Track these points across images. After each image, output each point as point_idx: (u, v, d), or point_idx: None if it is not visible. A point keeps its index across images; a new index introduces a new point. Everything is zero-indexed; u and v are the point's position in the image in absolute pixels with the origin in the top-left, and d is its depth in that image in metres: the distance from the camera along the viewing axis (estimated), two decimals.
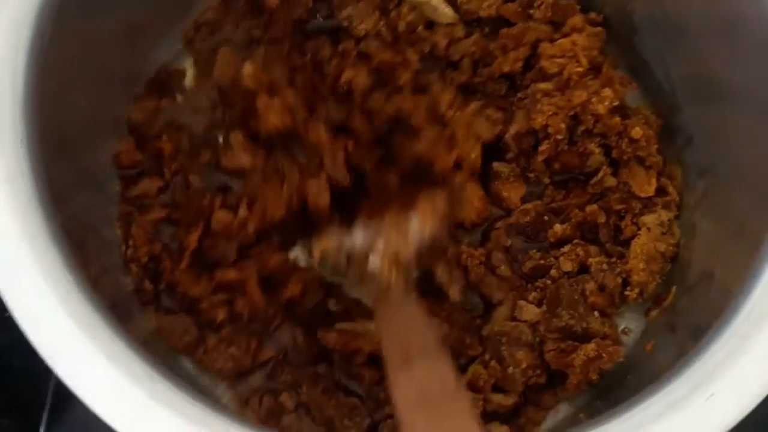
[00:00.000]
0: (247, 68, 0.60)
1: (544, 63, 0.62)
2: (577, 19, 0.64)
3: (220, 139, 0.63)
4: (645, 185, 0.61)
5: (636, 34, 0.64)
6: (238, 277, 0.59)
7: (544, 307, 0.58)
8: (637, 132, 0.61)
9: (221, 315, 0.59)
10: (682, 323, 0.56)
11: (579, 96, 0.60)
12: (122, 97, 0.63)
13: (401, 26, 0.65)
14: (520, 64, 0.64)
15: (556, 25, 0.65)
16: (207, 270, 0.60)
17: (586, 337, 0.57)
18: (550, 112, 0.60)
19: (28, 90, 0.49)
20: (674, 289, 0.59)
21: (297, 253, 0.62)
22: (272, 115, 0.58)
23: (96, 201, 0.60)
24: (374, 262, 0.53)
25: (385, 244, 0.53)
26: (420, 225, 0.54)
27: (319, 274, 0.60)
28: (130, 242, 0.59)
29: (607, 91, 0.60)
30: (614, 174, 0.62)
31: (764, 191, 0.50)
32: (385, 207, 0.56)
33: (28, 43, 0.49)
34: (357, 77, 0.60)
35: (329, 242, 0.55)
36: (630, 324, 0.61)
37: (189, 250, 0.59)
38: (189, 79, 0.66)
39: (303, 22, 0.66)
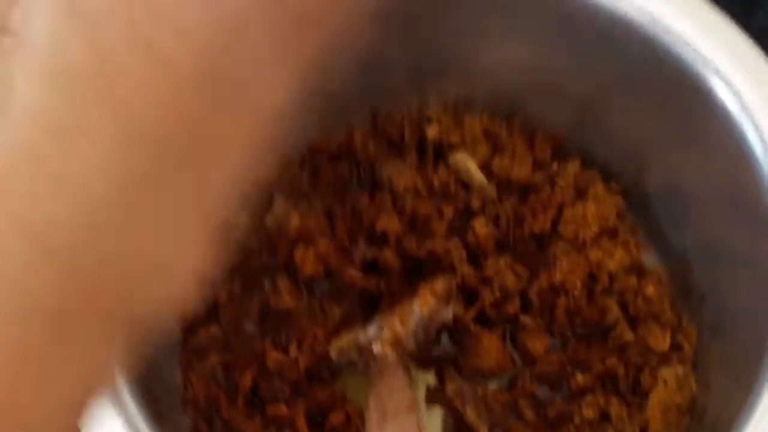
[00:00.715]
0: (294, 219, 0.69)
1: (560, 227, 0.69)
2: (598, 188, 0.71)
3: (267, 284, 0.69)
4: (660, 341, 0.66)
5: (651, 202, 0.71)
6: (288, 412, 0.65)
7: None
8: (650, 290, 0.66)
9: None
10: None
11: (595, 255, 0.66)
12: None
13: (437, 184, 0.71)
14: (548, 225, 0.70)
15: (579, 191, 0.72)
16: (259, 409, 0.65)
17: None
18: (568, 270, 0.66)
19: None
20: None
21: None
22: (307, 264, 0.66)
23: (160, 349, 0.65)
24: (377, 348, 0.62)
25: (388, 332, 0.63)
26: (419, 309, 0.64)
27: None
28: (189, 387, 0.65)
29: (620, 252, 0.67)
30: (633, 329, 0.67)
31: (755, 351, 0.55)
32: (396, 304, 0.65)
33: None
34: (391, 223, 0.67)
35: (343, 342, 0.64)
36: None
37: (245, 390, 0.65)
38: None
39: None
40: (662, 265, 0.71)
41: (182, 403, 0.66)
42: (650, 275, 0.68)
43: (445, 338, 0.68)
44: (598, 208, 0.69)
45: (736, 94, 0.57)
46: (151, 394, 0.55)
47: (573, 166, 0.72)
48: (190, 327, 0.68)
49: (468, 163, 0.72)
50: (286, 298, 0.68)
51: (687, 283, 0.69)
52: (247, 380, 0.66)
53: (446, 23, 0.69)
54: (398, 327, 0.63)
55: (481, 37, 0.69)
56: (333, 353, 0.64)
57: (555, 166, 0.73)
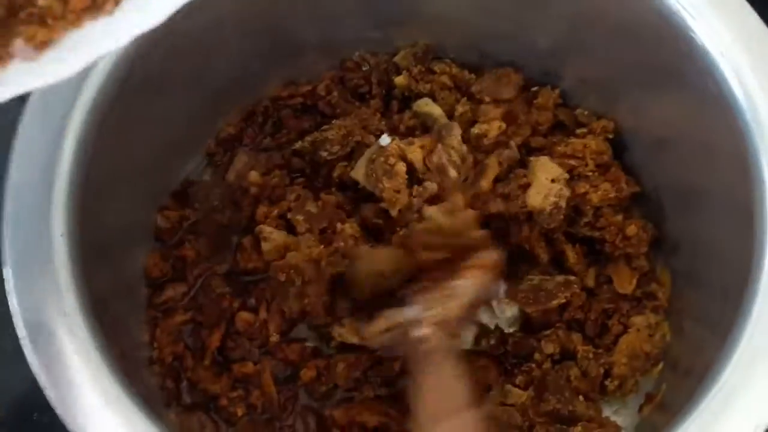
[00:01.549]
0: (254, 175, 0.68)
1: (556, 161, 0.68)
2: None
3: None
4: (626, 284, 0.67)
5: (626, 146, 0.70)
6: (254, 370, 0.64)
7: (532, 392, 0.63)
8: (631, 230, 0.67)
9: (240, 410, 0.64)
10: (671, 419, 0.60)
11: (581, 187, 0.66)
12: (152, 208, 0.69)
13: (403, 129, 0.71)
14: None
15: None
16: (227, 369, 0.65)
17: (572, 420, 0.62)
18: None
19: (70, 190, 0.54)
20: (664, 386, 0.64)
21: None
22: (270, 222, 0.66)
23: (127, 305, 0.65)
24: (419, 330, 0.55)
25: (435, 311, 0.55)
26: (469, 286, 0.57)
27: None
28: (155, 344, 0.65)
29: (607, 185, 0.67)
30: (602, 268, 0.68)
31: (731, 299, 0.55)
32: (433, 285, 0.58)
33: (71, 150, 0.54)
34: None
35: (379, 326, 0.58)
36: (625, 420, 0.65)
37: (211, 349, 0.65)
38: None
39: None
40: (637, 210, 0.71)
41: (149, 361, 0.65)
42: (635, 219, 0.68)
43: None
44: (592, 145, 0.69)
45: (716, 34, 0.56)
46: (119, 351, 0.53)
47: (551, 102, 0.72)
48: (158, 284, 0.68)
49: (432, 108, 0.71)
50: (252, 256, 0.67)
51: (661, 230, 0.69)
52: (214, 339, 0.65)
53: None
54: (449, 305, 0.56)
55: None
56: (369, 337, 0.59)
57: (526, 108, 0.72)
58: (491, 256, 0.59)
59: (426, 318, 0.55)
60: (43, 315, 0.51)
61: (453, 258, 0.58)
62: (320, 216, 0.66)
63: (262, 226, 0.66)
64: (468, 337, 0.65)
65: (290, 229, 0.67)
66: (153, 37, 0.46)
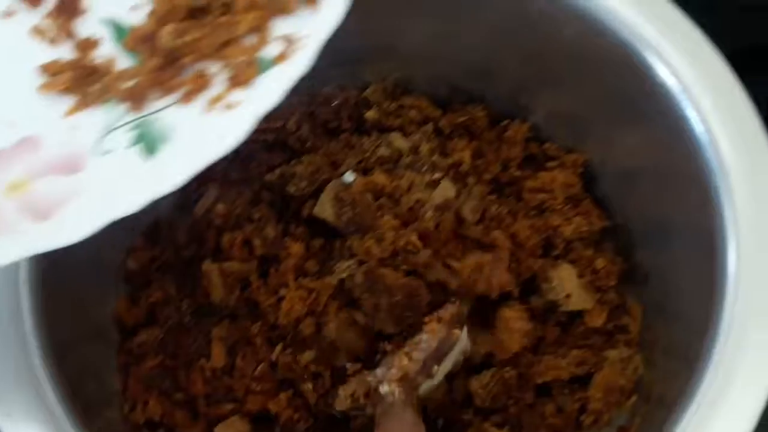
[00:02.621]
0: (220, 206, 0.70)
1: (525, 195, 0.70)
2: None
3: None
4: (596, 317, 0.68)
5: (595, 179, 0.72)
6: (229, 411, 0.65)
7: (508, 431, 0.64)
8: (599, 263, 0.68)
9: None
10: None
11: (554, 220, 0.68)
12: (122, 250, 0.70)
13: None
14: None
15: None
16: (201, 413, 0.66)
17: None
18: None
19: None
20: (637, 419, 0.65)
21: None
22: (235, 250, 0.67)
23: (98, 350, 0.66)
24: (384, 388, 0.59)
25: (396, 369, 0.60)
26: (427, 341, 0.61)
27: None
28: (127, 393, 0.65)
29: (579, 219, 0.69)
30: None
31: (699, 328, 0.56)
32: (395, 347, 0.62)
33: None
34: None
35: (351, 389, 0.61)
36: None
37: (197, 395, 0.65)
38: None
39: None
40: (609, 243, 0.72)
41: (121, 411, 0.65)
42: (604, 252, 0.70)
43: None
44: (560, 178, 0.71)
45: (674, 71, 0.58)
46: (86, 400, 0.55)
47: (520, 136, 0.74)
48: (130, 330, 0.68)
49: (401, 144, 0.72)
50: (217, 289, 0.67)
51: (632, 262, 0.70)
52: (197, 387, 0.66)
53: (380, 7, 0.69)
54: (405, 361, 0.60)
55: (415, 20, 0.70)
56: (340, 405, 0.62)
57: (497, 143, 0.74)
58: (450, 309, 0.63)
59: (388, 376, 0.60)
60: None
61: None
62: (276, 242, 0.67)
63: (206, 266, 0.67)
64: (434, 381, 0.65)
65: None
66: None
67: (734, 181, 0.56)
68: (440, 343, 0.61)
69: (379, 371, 0.61)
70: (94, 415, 0.56)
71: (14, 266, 0.54)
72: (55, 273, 0.57)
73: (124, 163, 0.43)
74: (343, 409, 0.62)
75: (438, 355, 0.61)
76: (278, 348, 0.64)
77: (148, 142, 0.43)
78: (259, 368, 0.65)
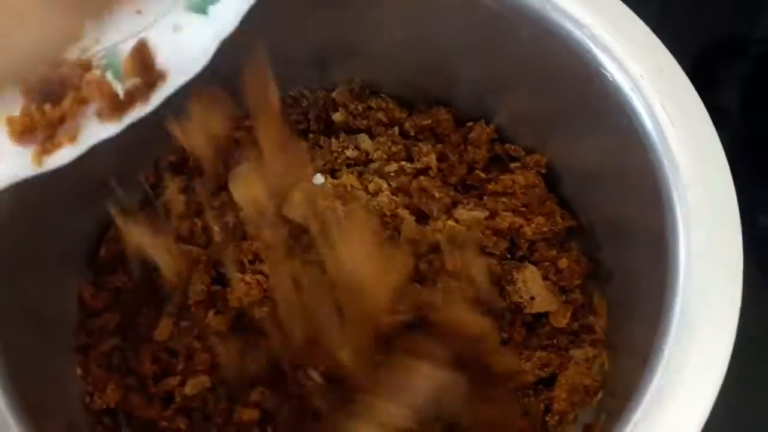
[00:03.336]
0: (179, 196, 0.72)
1: (486, 199, 0.72)
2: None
3: None
4: (560, 317, 0.69)
5: (559, 179, 0.74)
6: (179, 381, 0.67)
7: None
8: (563, 263, 0.70)
9: (182, 425, 0.66)
10: None
11: (516, 222, 0.69)
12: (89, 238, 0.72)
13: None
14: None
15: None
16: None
17: None
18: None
19: None
20: (603, 416, 0.66)
21: None
22: (196, 236, 0.70)
23: (56, 334, 0.67)
24: None
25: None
26: (422, 385, 0.57)
27: None
28: (88, 379, 0.67)
29: (540, 219, 0.70)
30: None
31: (653, 324, 0.57)
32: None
33: None
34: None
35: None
36: None
37: (148, 377, 0.67)
38: None
39: None
40: (575, 242, 0.74)
41: (83, 403, 0.67)
42: (569, 252, 0.72)
43: None
44: (520, 180, 0.72)
45: (626, 70, 0.59)
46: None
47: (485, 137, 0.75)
48: (90, 314, 0.70)
49: (368, 146, 0.74)
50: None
51: (596, 260, 0.72)
52: (146, 367, 0.68)
53: (347, 10, 0.70)
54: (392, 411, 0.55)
55: (378, 25, 0.71)
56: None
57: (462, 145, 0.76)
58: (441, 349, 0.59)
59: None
60: None
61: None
62: (236, 229, 0.69)
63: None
64: None
65: None
66: None
67: (685, 180, 0.57)
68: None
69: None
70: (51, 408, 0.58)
71: None
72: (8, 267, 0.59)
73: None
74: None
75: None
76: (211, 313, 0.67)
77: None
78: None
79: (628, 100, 0.59)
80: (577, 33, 0.61)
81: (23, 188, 0.57)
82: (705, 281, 0.55)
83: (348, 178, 0.70)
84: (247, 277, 0.66)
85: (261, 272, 0.67)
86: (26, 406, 0.53)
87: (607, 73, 0.60)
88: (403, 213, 0.70)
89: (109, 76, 0.46)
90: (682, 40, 0.62)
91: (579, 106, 0.65)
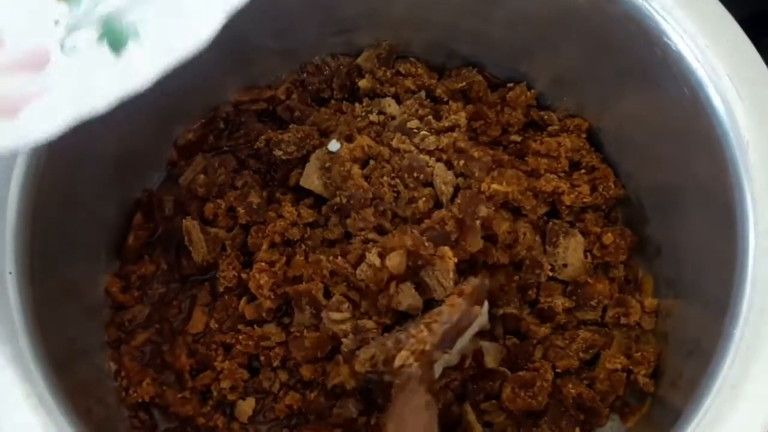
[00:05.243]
0: (201, 177, 0.71)
1: (529, 159, 0.70)
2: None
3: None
4: (603, 296, 0.68)
5: (604, 149, 0.72)
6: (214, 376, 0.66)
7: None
8: (608, 238, 0.68)
9: (220, 422, 0.66)
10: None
11: (562, 185, 0.68)
12: (115, 226, 0.71)
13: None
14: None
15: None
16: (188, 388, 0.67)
17: None
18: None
19: (20, 221, 0.55)
20: (648, 400, 0.66)
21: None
22: (220, 218, 0.69)
23: (89, 326, 0.67)
24: (400, 358, 0.59)
25: (414, 341, 0.59)
26: (447, 314, 0.60)
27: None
28: (123, 372, 0.67)
29: (585, 188, 0.69)
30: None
31: (714, 305, 0.57)
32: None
33: (20, 176, 0.56)
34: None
35: (370, 352, 0.62)
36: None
37: (184, 373, 0.67)
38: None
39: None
40: (620, 212, 0.73)
41: (118, 395, 0.66)
42: (614, 226, 0.70)
43: None
44: (566, 142, 0.70)
45: (689, 37, 0.58)
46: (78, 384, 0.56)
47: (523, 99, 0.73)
48: (120, 306, 0.69)
49: (393, 110, 0.72)
50: (200, 249, 0.69)
51: (643, 235, 0.70)
52: (183, 363, 0.67)
53: None
54: (424, 333, 0.60)
55: None
56: (359, 366, 0.62)
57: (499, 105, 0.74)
58: (472, 282, 0.62)
59: (407, 345, 0.59)
60: None
61: None
62: (260, 210, 0.68)
63: (186, 223, 0.68)
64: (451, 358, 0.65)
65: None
66: None
67: (753, 158, 0.56)
68: (460, 318, 0.61)
69: (401, 335, 0.61)
70: (88, 395, 0.58)
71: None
72: (43, 260, 0.57)
73: (91, 61, 0.44)
74: (361, 371, 0.62)
75: (457, 330, 0.61)
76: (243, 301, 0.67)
77: (114, 39, 0.44)
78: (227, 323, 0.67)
79: (692, 70, 0.58)
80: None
81: (44, 174, 0.57)
82: None
83: (362, 139, 0.69)
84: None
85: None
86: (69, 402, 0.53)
87: (670, 41, 0.58)
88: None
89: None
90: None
91: (633, 72, 0.64)
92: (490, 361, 0.66)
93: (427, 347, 0.59)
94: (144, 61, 0.43)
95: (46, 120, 0.43)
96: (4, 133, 0.43)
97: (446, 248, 0.63)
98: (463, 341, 0.62)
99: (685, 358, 0.63)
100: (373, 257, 0.63)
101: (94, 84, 0.44)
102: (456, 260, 0.63)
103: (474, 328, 0.63)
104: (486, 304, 0.64)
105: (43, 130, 0.43)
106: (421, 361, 0.59)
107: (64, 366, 0.55)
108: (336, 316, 0.63)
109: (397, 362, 0.59)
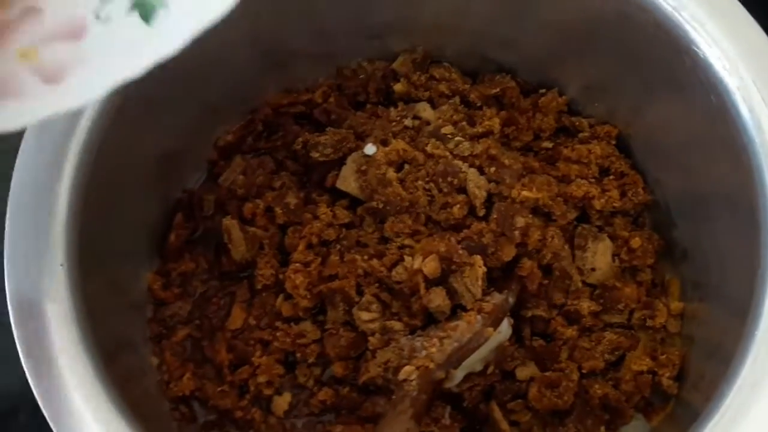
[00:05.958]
0: (240, 177, 0.74)
1: (561, 164, 0.72)
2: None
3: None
4: (631, 300, 0.70)
5: (633, 154, 0.74)
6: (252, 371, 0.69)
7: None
8: (636, 242, 0.70)
9: (257, 416, 0.68)
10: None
11: (593, 191, 0.70)
12: (155, 224, 0.74)
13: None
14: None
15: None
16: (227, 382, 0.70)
17: None
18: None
19: (70, 216, 0.58)
20: (672, 400, 0.68)
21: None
22: (258, 219, 0.72)
23: (134, 321, 0.70)
24: (405, 372, 0.63)
25: (424, 353, 0.63)
26: (461, 331, 0.63)
27: None
28: (164, 367, 0.69)
29: (615, 193, 0.71)
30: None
31: (741, 307, 0.58)
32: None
33: (71, 172, 0.59)
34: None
35: (388, 355, 0.64)
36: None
37: (224, 367, 0.69)
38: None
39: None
40: (648, 217, 0.74)
41: (160, 385, 0.69)
42: (642, 230, 0.72)
43: None
44: (596, 150, 0.73)
45: (720, 48, 0.59)
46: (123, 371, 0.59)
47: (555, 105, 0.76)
48: (161, 302, 0.72)
49: (429, 115, 0.74)
50: (240, 247, 0.71)
51: (670, 239, 0.72)
52: (222, 356, 0.70)
53: None
54: (434, 349, 0.63)
55: None
56: (373, 368, 0.65)
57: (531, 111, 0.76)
58: (494, 300, 0.65)
59: (415, 360, 0.62)
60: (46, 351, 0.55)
61: None
62: (297, 210, 0.71)
63: (226, 221, 0.71)
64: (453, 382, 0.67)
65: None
66: None
67: None
68: (470, 339, 0.63)
69: (418, 343, 0.63)
70: (133, 386, 0.60)
71: (50, 250, 0.57)
72: (90, 255, 0.60)
73: (124, 30, 0.46)
74: (373, 374, 0.65)
75: (464, 351, 0.64)
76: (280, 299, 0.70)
77: (144, 10, 0.46)
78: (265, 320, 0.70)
79: (720, 78, 0.59)
80: (668, 7, 0.61)
81: (93, 171, 0.60)
82: None
83: (398, 143, 0.71)
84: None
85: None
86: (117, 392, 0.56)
87: (698, 50, 0.60)
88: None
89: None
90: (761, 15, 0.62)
91: (662, 79, 0.65)
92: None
93: (432, 365, 0.62)
94: (174, 29, 0.45)
95: (89, 86, 0.45)
96: (51, 100, 0.46)
97: (478, 257, 0.65)
98: (470, 362, 0.65)
99: (707, 359, 0.65)
100: (412, 261, 0.65)
101: (128, 51, 0.46)
102: (485, 269, 0.65)
103: (492, 344, 0.65)
104: (506, 321, 0.66)
105: (87, 95, 0.46)
106: (422, 379, 0.62)
107: (112, 357, 0.58)
108: (365, 315, 0.66)
109: (401, 376, 0.62)
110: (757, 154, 0.58)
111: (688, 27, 0.61)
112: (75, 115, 0.60)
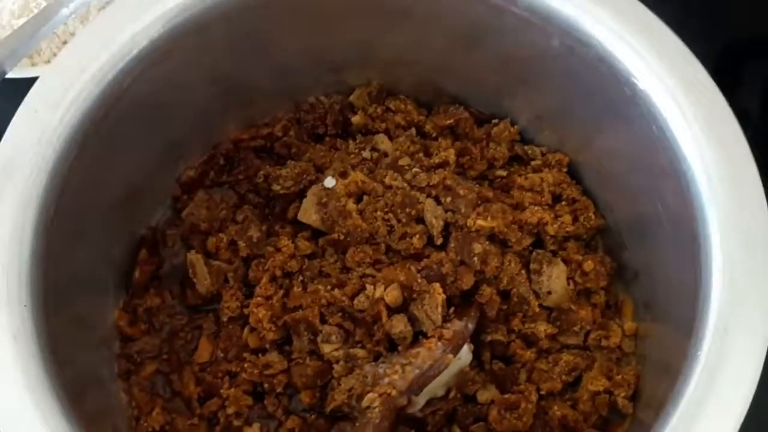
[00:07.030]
0: (202, 211, 0.76)
1: (514, 192, 0.75)
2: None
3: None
4: (586, 321, 0.72)
5: (583, 180, 0.77)
6: (220, 404, 0.71)
7: None
8: (588, 265, 0.73)
9: None
10: None
11: (546, 217, 0.73)
12: (120, 261, 0.76)
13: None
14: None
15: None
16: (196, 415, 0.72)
17: None
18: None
19: (33, 257, 0.60)
20: (629, 418, 0.70)
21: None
22: (221, 252, 0.74)
23: (101, 357, 0.71)
24: (368, 399, 0.65)
25: (387, 380, 0.66)
26: (422, 358, 0.66)
27: None
28: (133, 402, 0.71)
29: (567, 218, 0.74)
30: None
31: (683, 327, 0.61)
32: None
33: (34, 212, 0.60)
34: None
35: (352, 382, 0.67)
36: None
37: (192, 399, 0.72)
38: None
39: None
40: (600, 240, 0.77)
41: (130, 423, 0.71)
42: (594, 254, 0.75)
43: None
44: (548, 178, 0.75)
45: (658, 80, 0.62)
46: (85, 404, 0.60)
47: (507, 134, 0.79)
48: (129, 338, 0.74)
49: (386, 146, 0.78)
50: (203, 281, 0.73)
51: (622, 261, 0.75)
52: (191, 389, 0.72)
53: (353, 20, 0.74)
54: (396, 376, 0.66)
55: (387, 31, 0.75)
56: (338, 395, 0.67)
57: (485, 141, 0.79)
58: (454, 327, 0.68)
59: (378, 387, 0.65)
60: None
61: None
62: (260, 243, 0.74)
63: (190, 256, 0.73)
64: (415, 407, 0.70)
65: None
66: (107, 102, 0.56)
67: (717, 191, 0.60)
68: (431, 366, 0.66)
69: (380, 370, 0.66)
70: (103, 423, 0.62)
71: (16, 289, 0.59)
72: (55, 294, 0.62)
73: None
74: (337, 401, 0.67)
75: (425, 378, 0.66)
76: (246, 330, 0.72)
77: None
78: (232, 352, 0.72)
79: (658, 108, 0.63)
80: (607, 41, 0.64)
81: (57, 211, 0.62)
82: (739, 286, 0.58)
83: (356, 176, 0.73)
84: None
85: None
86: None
87: (637, 81, 0.63)
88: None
89: None
90: (701, 42, 0.65)
91: (606, 109, 0.68)
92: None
93: (394, 392, 0.65)
94: None
95: None
96: None
97: (437, 284, 0.68)
98: (431, 388, 0.68)
99: (659, 378, 0.67)
100: (374, 290, 0.68)
101: None
102: (445, 296, 0.68)
103: (453, 369, 0.68)
104: (467, 346, 0.69)
105: None
106: (384, 406, 0.65)
107: (79, 396, 0.60)
108: (326, 348, 0.68)
109: (364, 403, 0.65)
110: (695, 180, 0.61)
111: (627, 60, 0.64)
112: (38, 155, 0.61)
